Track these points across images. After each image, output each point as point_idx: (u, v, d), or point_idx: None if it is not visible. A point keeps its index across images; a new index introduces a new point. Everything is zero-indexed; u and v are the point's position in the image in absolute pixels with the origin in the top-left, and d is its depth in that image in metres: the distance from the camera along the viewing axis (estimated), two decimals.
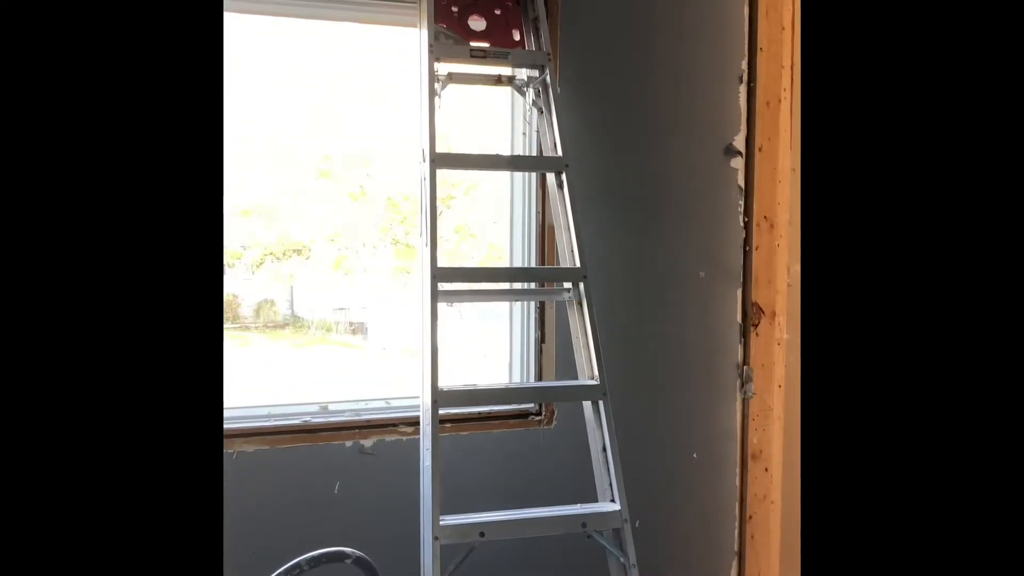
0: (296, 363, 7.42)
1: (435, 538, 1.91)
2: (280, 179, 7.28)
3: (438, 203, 2.14)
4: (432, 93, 2.16)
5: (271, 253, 7.25)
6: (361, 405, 2.35)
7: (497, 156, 2.30)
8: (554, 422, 2.45)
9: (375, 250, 7.58)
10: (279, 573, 1.46)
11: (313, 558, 1.46)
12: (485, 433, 2.40)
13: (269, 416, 2.24)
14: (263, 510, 2.19)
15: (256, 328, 7.93)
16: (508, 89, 2.41)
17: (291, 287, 8.22)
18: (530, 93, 2.35)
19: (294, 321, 8.23)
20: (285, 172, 7.31)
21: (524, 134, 2.43)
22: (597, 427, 2.15)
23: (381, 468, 2.29)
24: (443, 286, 2.09)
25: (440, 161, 2.13)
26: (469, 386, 2.10)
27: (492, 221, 7.41)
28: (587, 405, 2.19)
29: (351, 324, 8.08)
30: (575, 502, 2.12)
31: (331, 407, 2.31)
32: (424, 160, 2.13)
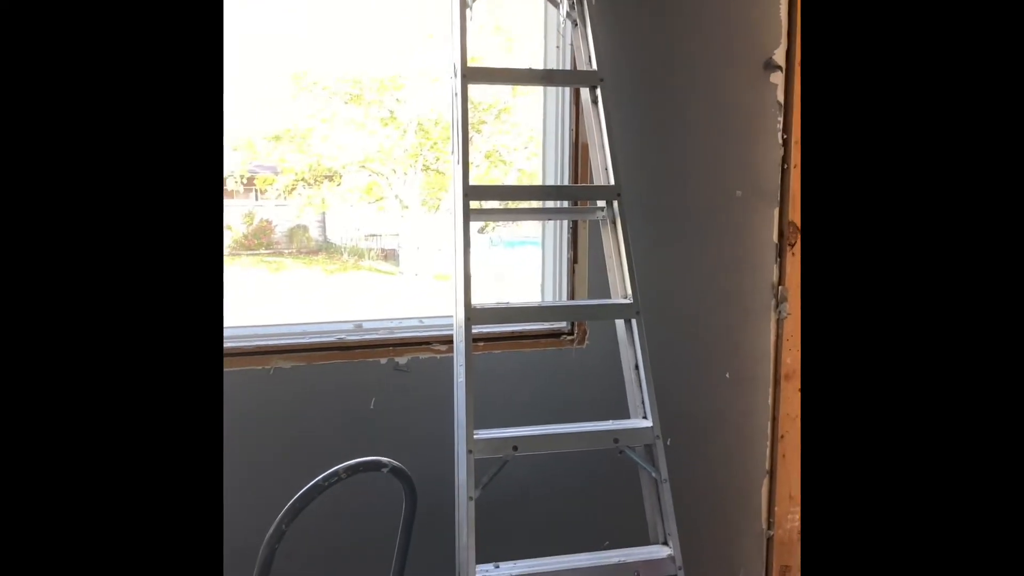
0: (330, 288, 7.53)
1: (469, 451, 1.94)
2: (310, 104, 7.24)
3: (468, 128, 2.10)
4: (464, 5, 2.11)
5: (303, 179, 7.28)
6: (395, 323, 2.37)
7: (530, 70, 2.24)
8: (586, 341, 2.45)
9: (406, 176, 7.56)
10: (318, 480, 1.50)
11: (351, 466, 1.49)
12: (517, 352, 2.41)
13: (305, 333, 2.27)
14: (300, 424, 2.24)
15: (289, 253, 8.04)
16: (542, 0, 2.34)
17: (323, 213, 8.28)
18: (564, 4, 2.28)
19: (327, 247, 8.33)
20: (315, 97, 7.27)
21: (558, 47, 2.37)
22: (629, 345, 2.15)
23: (415, 385, 2.32)
24: (475, 204, 2.08)
25: (472, 75, 2.09)
26: (502, 304, 2.10)
27: (523, 145, 7.29)
28: (620, 324, 2.19)
29: (383, 251, 8.14)
30: (606, 420, 2.13)
31: (365, 325, 2.33)
32: (455, 75, 2.09)
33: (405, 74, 6.73)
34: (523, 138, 7.12)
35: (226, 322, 2.21)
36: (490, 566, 1.95)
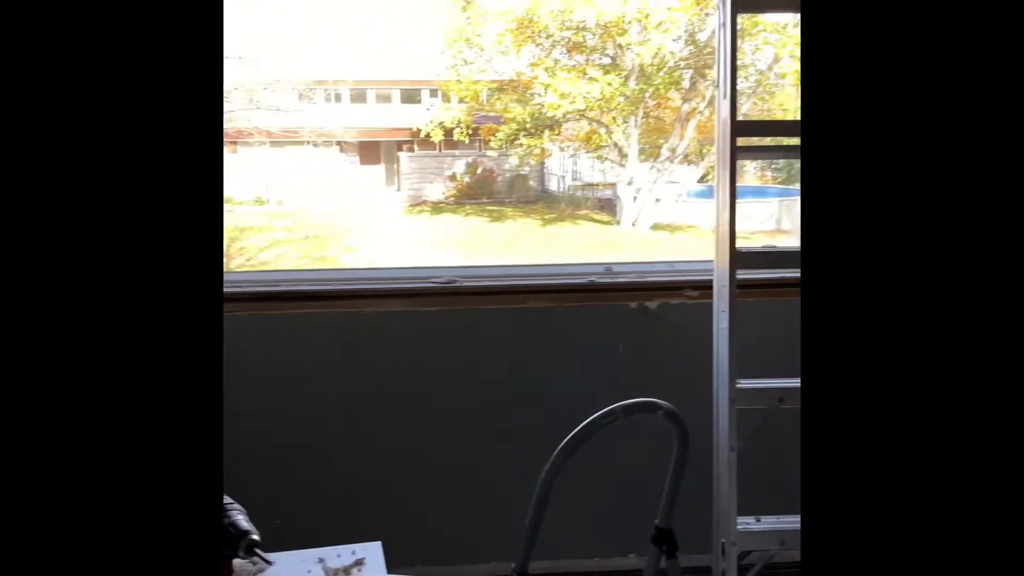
0: (549, 237, 7.63)
1: (732, 400, 1.87)
2: (533, 53, 7.28)
3: (737, 60, 1.97)
4: None
5: (524, 128, 7.37)
6: (645, 268, 2.31)
7: None
8: None
9: (625, 125, 7.45)
10: (595, 418, 1.49)
11: (628, 406, 1.47)
12: (775, 300, 2.28)
13: (557, 275, 2.27)
14: (550, 363, 2.25)
15: (510, 202, 8.21)
16: None
17: (542, 163, 8.36)
18: None
19: (545, 196, 8.42)
20: (539, 46, 7.30)
21: None
22: None
23: (665, 330, 2.27)
24: (742, 141, 1.96)
25: (743, 4, 1.95)
26: (768, 247, 1.99)
27: (751, 90, 6.91)
28: None
29: (599, 200, 8.12)
30: None
31: (615, 268, 2.30)
32: (722, 3, 1.96)
33: (629, 18, 6.58)
34: (750, 81, 6.78)
35: (474, 261, 2.26)
36: (751, 519, 1.88)
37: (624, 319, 2.28)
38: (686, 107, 6.98)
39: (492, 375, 2.23)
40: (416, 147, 8.42)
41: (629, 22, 6.63)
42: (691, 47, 6.89)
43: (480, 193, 7.98)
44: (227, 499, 1.09)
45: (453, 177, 8.20)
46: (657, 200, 7.29)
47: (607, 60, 7.02)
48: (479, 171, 8.09)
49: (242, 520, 1.07)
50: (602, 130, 7.18)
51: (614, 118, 7.05)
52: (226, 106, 7.67)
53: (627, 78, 6.87)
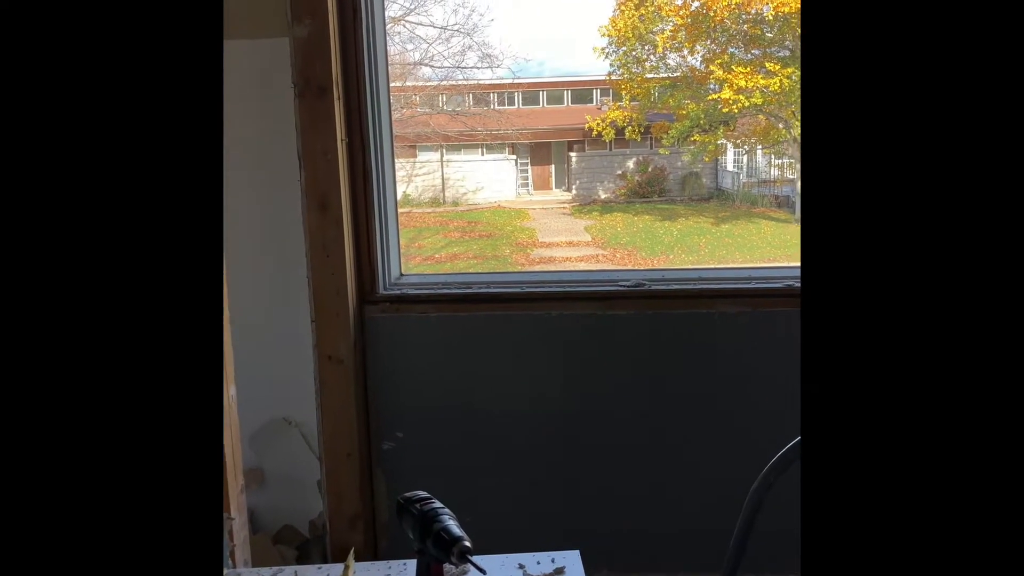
0: (721, 236, 7.42)
1: None
2: (708, 48, 7.12)
3: None
4: None
5: (698, 124, 7.20)
6: None
7: None
8: None
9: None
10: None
11: None
12: None
13: (750, 279, 2.17)
14: (745, 370, 2.16)
15: (681, 201, 8.06)
16: None
17: (716, 160, 8.16)
18: None
19: (718, 194, 8.20)
20: (714, 41, 7.13)
21: None
22: None
23: None
24: None
25: None
26: None
27: None
28: None
29: (776, 197, 7.80)
30: None
31: None
32: None
33: None
34: None
35: (654, 264, 2.20)
36: None
37: None
38: None
39: (680, 380, 2.17)
40: (587, 146, 8.43)
41: None
42: None
43: (651, 191, 7.86)
44: (438, 504, 1.10)
45: (623, 175, 8.13)
46: None
47: (786, 53, 6.72)
48: (650, 169, 7.98)
49: (453, 526, 1.07)
50: (781, 125, 6.87)
51: (793, 112, 6.73)
52: (406, 110, 7.98)
53: None
